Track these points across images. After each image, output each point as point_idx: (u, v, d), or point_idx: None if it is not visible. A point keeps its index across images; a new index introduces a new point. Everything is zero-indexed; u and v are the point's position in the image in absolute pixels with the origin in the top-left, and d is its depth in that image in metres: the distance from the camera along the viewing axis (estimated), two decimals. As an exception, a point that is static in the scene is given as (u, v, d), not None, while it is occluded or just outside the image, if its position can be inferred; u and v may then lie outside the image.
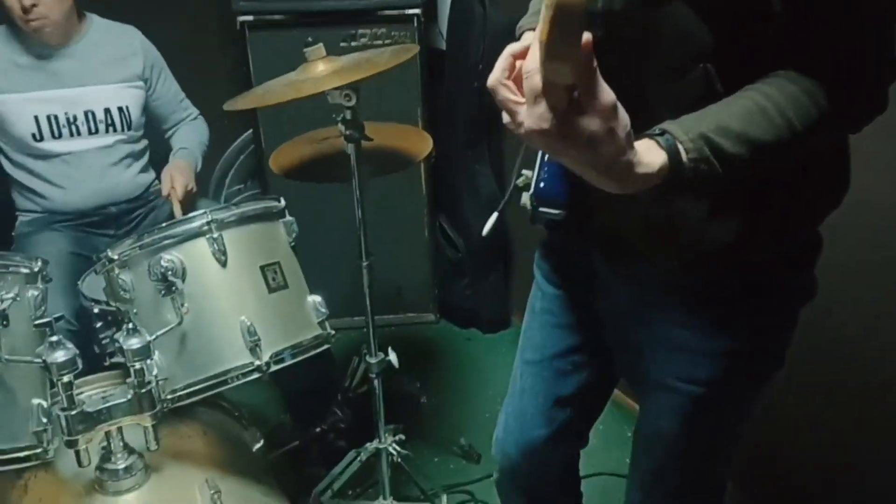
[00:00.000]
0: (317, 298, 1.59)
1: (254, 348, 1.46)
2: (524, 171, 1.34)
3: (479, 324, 3.08)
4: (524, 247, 2.93)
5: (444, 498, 2.15)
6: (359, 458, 2.13)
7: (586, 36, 0.75)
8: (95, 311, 1.68)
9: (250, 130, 3.02)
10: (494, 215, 1.38)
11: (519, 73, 0.91)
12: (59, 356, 1.31)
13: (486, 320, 3.06)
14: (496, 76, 0.94)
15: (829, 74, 0.97)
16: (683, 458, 1.35)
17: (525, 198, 1.35)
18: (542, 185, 1.23)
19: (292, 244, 1.61)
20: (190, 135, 2.42)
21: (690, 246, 1.15)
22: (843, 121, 1.02)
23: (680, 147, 0.93)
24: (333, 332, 1.61)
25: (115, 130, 2.23)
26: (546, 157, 1.22)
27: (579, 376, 1.48)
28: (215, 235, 1.46)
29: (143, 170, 2.31)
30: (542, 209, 1.24)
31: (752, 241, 1.14)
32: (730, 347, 1.22)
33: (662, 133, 0.94)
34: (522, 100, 0.86)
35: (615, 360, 1.40)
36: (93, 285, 1.84)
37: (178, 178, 2.21)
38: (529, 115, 0.84)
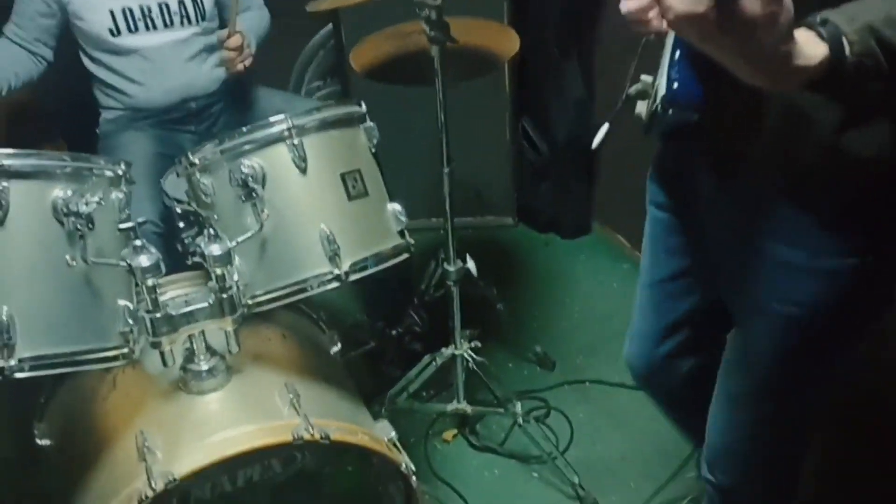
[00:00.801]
0: (397, 207, 1.55)
1: (333, 257, 1.44)
2: (643, 77, 1.26)
3: (559, 229, 3.01)
4: (611, 154, 2.83)
5: (518, 404, 2.15)
6: (434, 363, 2.14)
7: None
8: (178, 210, 1.68)
9: (330, 25, 2.95)
10: (605, 126, 1.33)
11: None
12: (143, 261, 1.32)
13: (567, 226, 3.00)
14: None
15: None
16: (775, 384, 1.30)
17: (640, 106, 1.29)
18: (675, 85, 1.13)
19: (373, 150, 1.56)
20: (248, 21, 2.35)
21: (813, 158, 1.07)
22: None
23: (844, 40, 0.83)
24: (413, 241, 1.58)
25: (189, 22, 2.19)
26: (678, 56, 1.13)
27: (690, 300, 1.46)
28: (295, 142, 1.43)
29: (218, 64, 2.27)
30: (673, 112, 1.15)
31: (880, 158, 1.05)
32: (836, 268, 1.14)
33: (824, 22, 0.84)
34: None
35: (719, 284, 1.34)
36: (175, 185, 1.85)
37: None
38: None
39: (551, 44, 2.72)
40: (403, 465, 1.58)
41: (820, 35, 0.83)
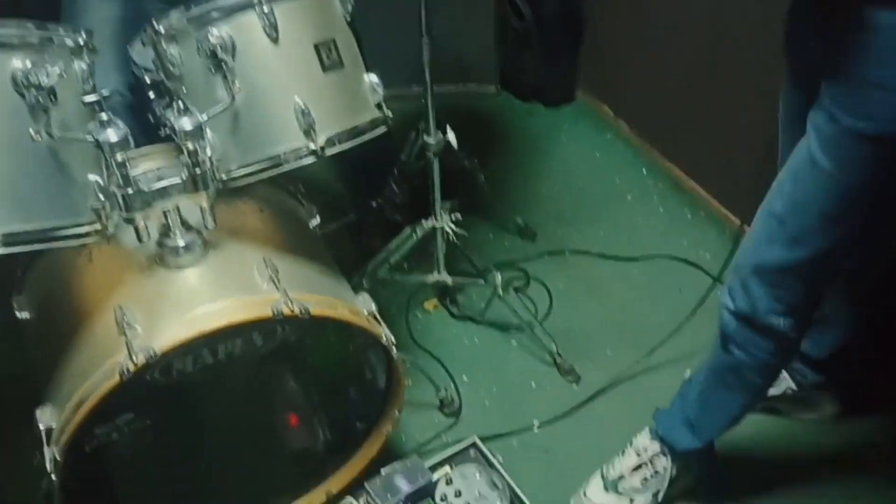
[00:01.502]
0: (374, 79, 1.50)
1: (308, 131, 1.40)
2: None
3: (542, 97, 2.95)
4: (598, 22, 2.73)
5: (498, 275, 2.17)
6: (414, 235, 2.14)
7: None
8: (147, 80, 1.62)
9: None
10: None
11: None
12: (111, 135, 1.29)
13: (550, 94, 2.93)
14: None
15: None
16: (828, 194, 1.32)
17: None
18: None
19: (348, 19, 1.49)
20: None
21: None
22: None
23: None
24: (390, 114, 1.53)
25: None
26: None
27: None
28: (266, 9, 1.36)
29: None
30: None
31: None
32: None
33: None
34: None
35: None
36: (143, 53, 1.77)
37: None
38: None
39: None
40: (384, 338, 1.60)
41: None
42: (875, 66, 1.18)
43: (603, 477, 1.82)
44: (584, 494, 1.82)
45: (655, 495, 1.80)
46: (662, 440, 1.79)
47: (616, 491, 1.80)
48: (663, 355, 2.04)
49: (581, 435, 1.99)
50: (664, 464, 1.78)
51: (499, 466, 1.81)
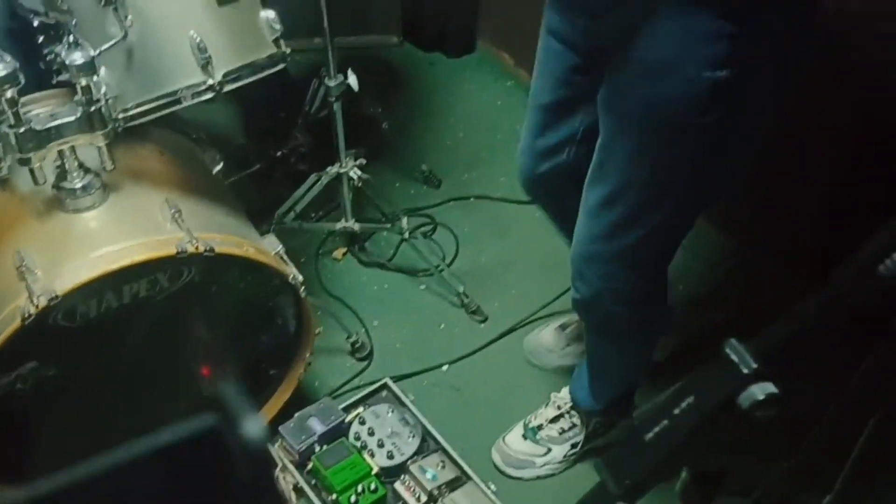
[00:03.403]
0: (270, 14, 1.50)
1: (205, 66, 1.39)
2: None
3: (444, 48, 2.97)
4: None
5: (405, 220, 2.20)
6: (320, 182, 2.15)
7: None
8: (35, 23, 1.57)
9: None
10: None
11: None
12: (-2, 70, 1.25)
13: (452, 44, 2.96)
14: None
15: None
16: (641, 180, 1.36)
17: None
18: None
19: (243, -46, 1.48)
20: None
21: None
22: None
23: None
24: (288, 50, 1.53)
25: None
26: None
27: (571, 125, 1.53)
28: (157, -59, 1.34)
29: None
30: None
31: None
32: (690, 76, 1.19)
33: None
34: None
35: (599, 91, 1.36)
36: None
37: None
38: None
39: None
40: (291, 276, 1.62)
41: None
42: (652, 55, 1.22)
43: (525, 425, 1.87)
44: (504, 440, 1.87)
45: (574, 447, 1.83)
46: (571, 396, 1.85)
47: (534, 440, 1.84)
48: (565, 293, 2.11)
49: (488, 372, 2.05)
50: (582, 417, 1.83)
51: (410, 405, 1.86)
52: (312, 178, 2.15)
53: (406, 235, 2.20)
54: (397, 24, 2.98)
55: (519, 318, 2.13)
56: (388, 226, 2.23)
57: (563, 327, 2.02)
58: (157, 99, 1.41)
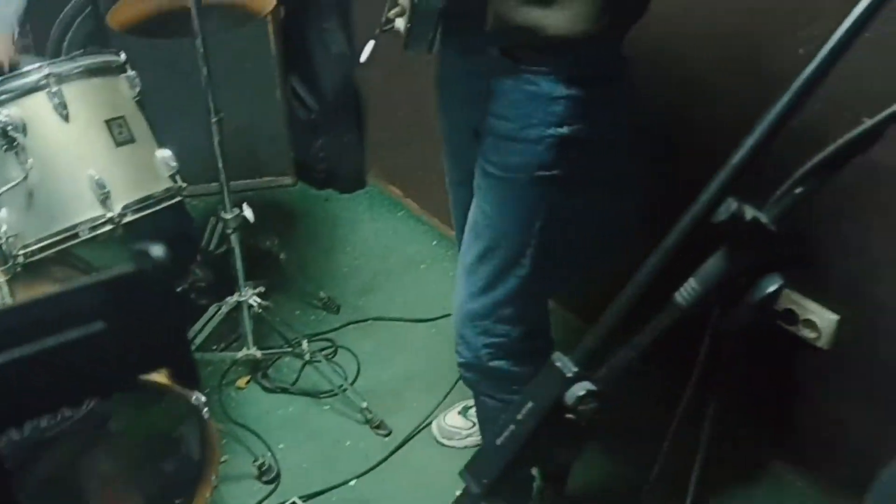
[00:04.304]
0: (166, 153, 1.62)
1: (104, 200, 1.49)
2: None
3: (336, 184, 3.15)
4: (378, 104, 2.98)
5: (305, 344, 2.28)
6: (220, 312, 2.22)
7: None
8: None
9: (83, -7, 2.88)
10: (371, 43, 1.47)
11: None
12: None
13: (343, 180, 3.14)
14: None
15: None
16: (508, 234, 1.50)
17: (399, 23, 1.44)
18: None
19: (137, 98, 1.62)
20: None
21: (518, 20, 1.31)
22: None
23: None
24: (185, 184, 1.65)
25: None
26: None
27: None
28: (54, 89, 1.46)
29: None
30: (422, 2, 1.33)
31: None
32: (536, 136, 1.39)
33: None
34: None
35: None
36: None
37: None
38: None
39: (311, 2, 2.84)
40: (194, 398, 1.66)
41: None
42: (503, 120, 1.43)
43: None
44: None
45: None
46: None
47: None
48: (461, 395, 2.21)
49: (395, 482, 2.10)
50: None
51: (320, 523, 1.89)
52: (213, 308, 2.22)
53: (308, 358, 2.27)
54: (290, 166, 3.16)
55: (419, 427, 2.21)
56: (290, 350, 2.30)
57: (465, 409, 2.17)
58: (57, 234, 1.48)
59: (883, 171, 1.54)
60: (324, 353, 2.40)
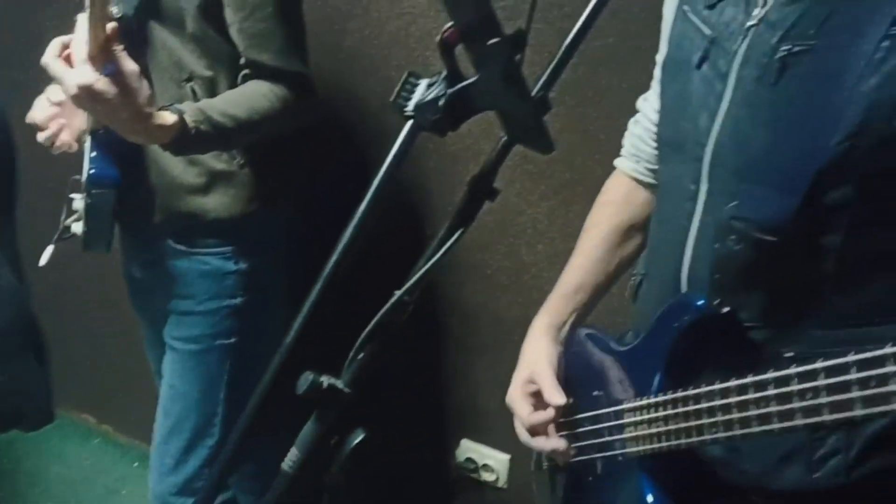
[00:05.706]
0: None
1: None
2: (76, 202, 1.48)
3: (20, 423, 2.95)
4: (60, 331, 2.89)
5: None
6: None
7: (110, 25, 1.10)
8: None
9: None
10: (50, 247, 1.52)
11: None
12: None
13: (28, 418, 2.95)
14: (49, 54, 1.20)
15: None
16: (196, 407, 1.60)
17: (76, 227, 1.51)
18: (93, 171, 1.42)
19: None
20: None
21: (182, 209, 1.48)
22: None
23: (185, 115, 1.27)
24: None
25: None
26: (94, 150, 1.42)
27: None
28: None
29: None
30: (96, 192, 1.43)
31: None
32: (213, 308, 1.55)
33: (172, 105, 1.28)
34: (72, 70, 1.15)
35: None
36: None
37: None
38: (76, 74, 1.12)
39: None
40: None
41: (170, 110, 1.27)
42: (184, 298, 1.58)
43: None
44: None
45: None
46: None
47: None
48: None
49: None
50: None
51: None
52: None
53: None
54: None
55: None
56: None
57: None
58: None
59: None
60: None
